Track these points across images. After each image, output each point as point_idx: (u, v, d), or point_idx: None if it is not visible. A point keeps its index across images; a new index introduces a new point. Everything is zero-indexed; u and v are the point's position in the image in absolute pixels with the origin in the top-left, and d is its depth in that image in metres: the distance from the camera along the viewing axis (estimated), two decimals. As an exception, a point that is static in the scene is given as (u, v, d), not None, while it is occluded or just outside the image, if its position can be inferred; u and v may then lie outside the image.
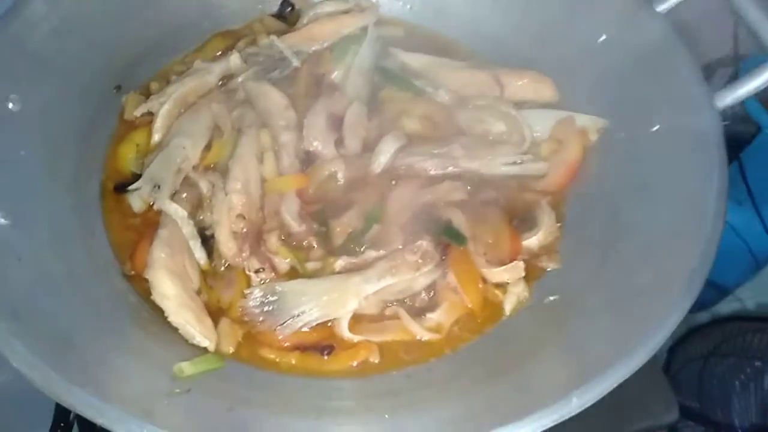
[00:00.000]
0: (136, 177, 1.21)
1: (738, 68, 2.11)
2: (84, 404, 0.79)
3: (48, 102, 1.17)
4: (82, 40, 1.26)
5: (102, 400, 0.79)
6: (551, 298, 1.12)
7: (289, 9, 1.52)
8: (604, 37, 1.34)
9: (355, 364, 1.05)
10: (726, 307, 2.32)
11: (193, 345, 1.02)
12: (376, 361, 1.06)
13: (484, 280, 1.15)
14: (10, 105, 1.09)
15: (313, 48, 1.44)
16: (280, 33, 1.44)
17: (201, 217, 1.18)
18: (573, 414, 0.83)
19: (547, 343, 1.03)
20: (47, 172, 1.12)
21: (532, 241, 1.20)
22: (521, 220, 1.24)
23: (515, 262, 1.15)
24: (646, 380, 1.04)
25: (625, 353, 0.87)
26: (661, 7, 1.28)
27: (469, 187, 1.26)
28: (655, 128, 1.19)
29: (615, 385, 0.84)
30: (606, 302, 1.03)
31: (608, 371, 0.85)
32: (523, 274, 1.15)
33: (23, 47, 1.15)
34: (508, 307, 1.13)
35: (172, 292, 1.03)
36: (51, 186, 1.12)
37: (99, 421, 0.79)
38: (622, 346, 0.89)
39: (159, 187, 1.13)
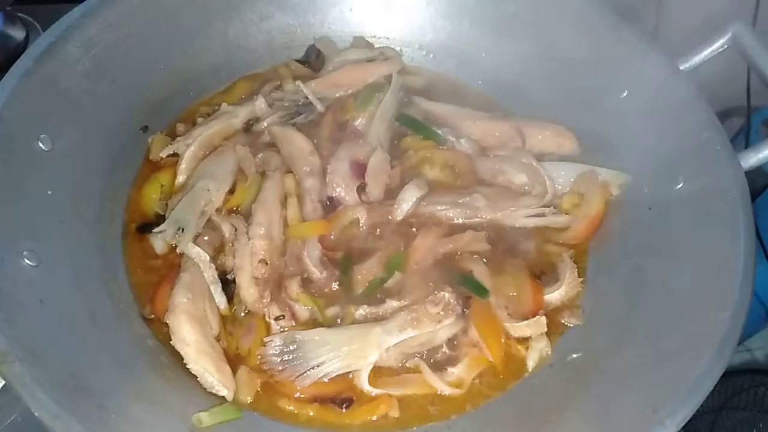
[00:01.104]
0: (160, 218, 1.21)
1: (749, 118, 2.12)
2: (103, 456, 0.78)
3: (76, 142, 1.19)
4: (112, 83, 1.28)
5: (122, 452, 0.78)
6: (574, 355, 1.10)
7: (315, 55, 1.55)
8: (625, 93, 1.35)
9: (374, 418, 1.03)
10: (736, 357, 2.30)
11: (210, 393, 1.01)
12: (396, 416, 1.04)
13: (506, 335, 1.13)
14: (41, 145, 1.11)
15: (338, 94, 1.46)
16: (305, 78, 1.46)
17: (222, 261, 1.17)
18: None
19: (571, 404, 1.01)
20: (73, 211, 1.13)
21: (555, 296, 1.19)
22: (543, 274, 1.23)
23: (537, 316, 1.14)
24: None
25: (656, 423, 0.85)
26: (685, 66, 1.30)
27: (489, 238, 1.25)
28: (680, 186, 1.19)
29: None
30: (631, 364, 1.01)
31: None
32: (545, 329, 1.13)
33: (56, 88, 1.16)
34: (531, 363, 1.11)
35: (192, 338, 1.02)
36: (75, 226, 1.12)
37: (117, 474, 0.77)
38: (651, 416, 0.87)
39: (183, 230, 1.13)
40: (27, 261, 0.97)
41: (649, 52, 1.33)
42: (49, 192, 1.09)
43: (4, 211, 0.98)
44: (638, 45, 1.34)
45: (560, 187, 1.33)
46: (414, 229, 1.25)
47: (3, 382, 1.09)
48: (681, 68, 1.29)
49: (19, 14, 1.62)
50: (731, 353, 0.90)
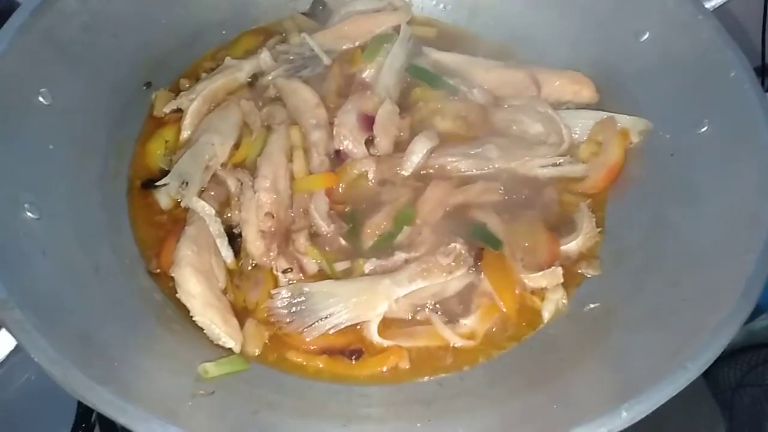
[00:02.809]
0: (164, 173, 1.19)
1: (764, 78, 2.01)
2: (106, 403, 0.76)
3: (78, 97, 1.16)
4: (113, 36, 1.25)
5: (125, 400, 0.76)
6: (591, 306, 1.06)
7: (321, 7, 1.50)
8: (647, 35, 1.28)
9: (384, 369, 1.01)
10: (759, 324, 2.22)
11: (218, 346, 1.00)
12: (407, 368, 1.01)
13: (521, 286, 1.09)
14: (41, 99, 1.08)
15: (345, 46, 1.41)
16: (311, 31, 1.41)
17: (228, 215, 1.15)
18: (619, 429, 0.78)
19: (589, 354, 0.97)
20: (75, 167, 1.11)
21: (571, 246, 1.14)
22: (559, 224, 1.19)
23: (553, 267, 1.10)
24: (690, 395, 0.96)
25: (677, 366, 0.81)
26: (710, 4, 1.22)
27: (503, 189, 1.21)
28: (704, 129, 1.13)
29: (666, 399, 0.78)
30: (651, 312, 0.97)
31: (660, 384, 0.79)
32: (562, 280, 1.09)
33: (54, 41, 1.13)
34: (547, 314, 1.07)
35: (197, 290, 1.00)
36: (78, 181, 1.10)
37: (121, 420, 0.76)
38: (671, 359, 0.83)
39: (187, 183, 1.11)
40: (29, 213, 0.95)
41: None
42: (51, 146, 1.07)
43: (3, 164, 0.96)
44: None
45: (577, 136, 1.28)
46: (424, 182, 1.21)
47: (16, 342, 1.10)
48: (707, 6, 1.22)
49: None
50: (759, 294, 0.85)
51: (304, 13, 1.50)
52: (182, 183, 1.11)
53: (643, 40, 1.28)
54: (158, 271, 1.08)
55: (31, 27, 1.09)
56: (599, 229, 1.17)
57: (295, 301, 1.03)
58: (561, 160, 1.24)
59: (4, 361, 1.22)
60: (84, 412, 1.13)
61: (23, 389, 1.21)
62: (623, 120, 1.25)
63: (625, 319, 0.99)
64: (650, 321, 0.95)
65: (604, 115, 1.28)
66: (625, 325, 0.98)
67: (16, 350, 1.22)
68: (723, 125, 1.11)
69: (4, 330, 1.19)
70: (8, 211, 0.92)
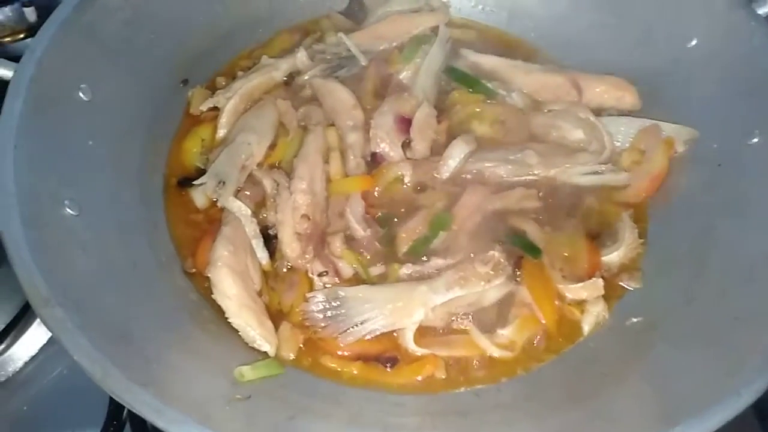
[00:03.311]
0: (200, 172, 1.18)
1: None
2: (144, 405, 0.76)
3: (117, 94, 1.16)
4: (152, 33, 1.25)
5: (163, 402, 0.76)
6: (634, 319, 1.03)
7: (358, 6, 1.48)
8: (694, 41, 1.24)
9: (419, 378, 0.99)
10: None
11: (252, 348, 0.98)
12: (443, 377, 0.99)
13: (560, 297, 1.07)
14: (81, 94, 1.08)
15: (382, 47, 1.39)
16: (347, 30, 1.40)
17: (264, 216, 1.14)
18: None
19: (632, 370, 0.95)
20: (113, 163, 1.10)
21: (613, 257, 1.11)
22: (600, 234, 1.16)
23: (594, 278, 1.07)
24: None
25: (729, 391, 0.77)
26: (763, 10, 1.18)
27: (542, 196, 1.18)
28: (754, 140, 1.10)
29: (717, 427, 0.75)
30: (699, 329, 0.94)
31: (710, 410, 0.76)
32: (603, 292, 1.07)
33: (95, 37, 1.14)
34: (587, 326, 1.05)
35: (233, 291, 0.99)
36: (117, 177, 1.10)
37: (158, 423, 0.75)
38: (722, 382, 0.80)
39: (224, 183, 1.10)
40: (68, 210, 0.95)
41: (722, -4, 1.22)
42: (90, 143, 1.07)
43: (44, 160, 0.96)
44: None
45: (619, 144, 1.25)
46: (462, 187, 1.18)
47: (50, 335, 1.10)
48: (759, 12, 1.18)
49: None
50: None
51: (340, 12, 1.49)
52: (219, 182, 1.10)
53: (690, 45, 1.25)
54: (194, 270, 1.07)
55: (73, 22, 1.10)
56: (641, 240, 1.13)
57: (331, 305, 1.01)
58: (602, 168, 1.21)
59: (36, 354, 1.22)
60: (115, 408, 1.13)
61: (55, 383, 1.21)
62: (668, 128, 1.22)
63: (670, 335, 0.96)
64: (698, 338, 0.92)
65: (647, 122, 1.24)
66: (670, 341, 0.95)
67: (49, 344, 1.22)
68: (776, 137, 1.07)
69: (36, 323, 1.21)
70: (49, 207, 0.92)
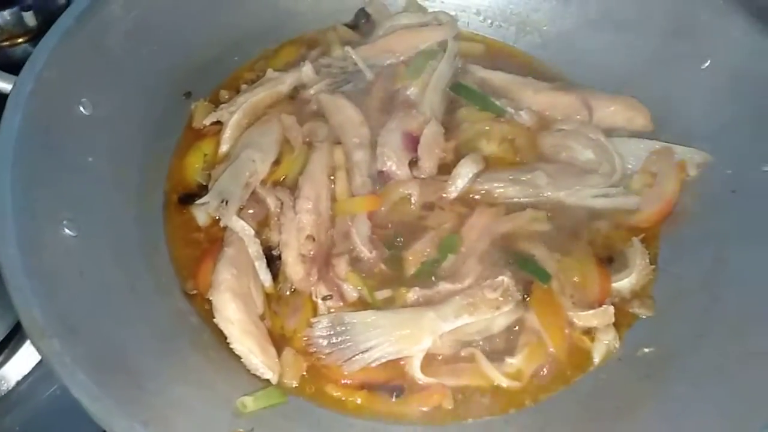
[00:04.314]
0: (202, 189, 1.16)
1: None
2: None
3: (118, 107, 1.13)
4: (155, 44, 1.22)
5: (164, 439, 0.73)
6: (645, 350, 1.01)
7: (364, 19, 1.45)
8: (708, 62, 1.22)
9: (426, 409, 0.96)
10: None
11: (254, 375, 0.95)
12: (450, 408, 0.97)
13: (570, 324, 1.04)
14: (82, 108, 1.05)
15: (388, 61, 1.37)
16: (354, 44, 1.38)
17: (266, 236, 1.11)
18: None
19: (644, 402, 0.92)
20: (113, 180, 1.08)
21: (624, 284, 1.09)
22: (610, 259, 1.13)
23: (604, 306, 1.05)
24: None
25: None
26: (779, 33, 1.16)
27: (552, 218, 1.16)
28: (770, 167, 1.08)
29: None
30: (714, 363, 0.92)
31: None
32: (613, 319, 1.04)
33: (98, 49, 1.11)
34: (597, 356, 1.02)
35: (236, 316, 0.96)
36: (116, 195, 1.07)
37: (159, 460, 0.72)
38: (739, 423, 0.78)
39: (227, 202, 1.07)
40: (67, 230, 0.92)
41: (736, 16, 1.20)
42: (90, 159, 1.04)
43: (44, 179, 0.93)
44: (723, 8, 1.21)
45: (631, 166, 1.23)
46: (470, 208, 1.16)
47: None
48: (774, 35, 1.16)
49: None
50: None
51: (347, 25, 1.46)
52: (222, 201, 1.07)
53: (704, 67, 1.23)
54: (195, 292, 1.04)
55: (75, 33, 1.07)
56: (652, 267, 1.11)
57: (336, 331, 0.99)
58: (613, 191, 1.18)
59: (29, 374, 1.19)
60: (110, 431, 1.09)
61: (48, 403, 1.18)
62: (680, 151, 1.20)
63: (684, 368, 0.94)
64: (713, 373, 0.90)
65: (659, 144, 1.22)
66: (684, 375, 0.93)
67: (42, 363, 1.19)
68: (792, 164, 1.05)
69: (29, 342, 1.17)
70: (47, 228, 0.89)
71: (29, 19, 1.47)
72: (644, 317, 1.06)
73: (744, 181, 1.10)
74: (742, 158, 1.12)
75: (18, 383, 1.18)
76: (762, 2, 1.23)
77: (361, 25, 1.46)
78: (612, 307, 1.05)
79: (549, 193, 1.18)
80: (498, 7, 1.47)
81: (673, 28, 1.26)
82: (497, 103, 1.30)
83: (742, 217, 1.07)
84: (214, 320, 0.97)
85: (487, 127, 1.27)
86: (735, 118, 1.16)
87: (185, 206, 1.15)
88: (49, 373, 1.18)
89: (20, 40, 1.48)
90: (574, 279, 1.09)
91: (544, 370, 1.00)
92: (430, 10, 1.47)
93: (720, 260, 1.05)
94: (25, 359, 1.17)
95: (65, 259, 0.89)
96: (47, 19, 1.49)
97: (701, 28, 1.23)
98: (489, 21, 1.48)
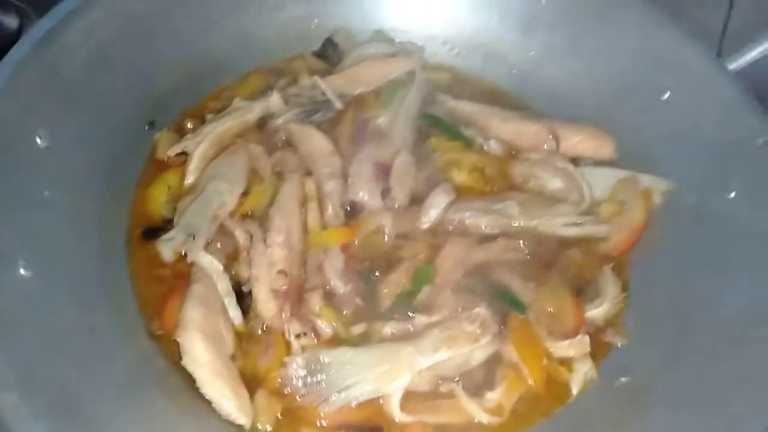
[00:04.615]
0: (167, 222, 1.11)
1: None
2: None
3: (76, 137, 1.08)
4: (116, 71, 1.18)
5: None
6: (623, 379, 1.01)
7: (332, 48, 1.44)
8: (668, 94, 1.26)
9: (406, 449, 0.93)
10: None
11: (226, 420, 0.90)
12: (430, 447, 0.94)
13: (547, 355, 1.04)
14: (38, 140, 1.00)
15: (357, 91, 1.36)
16: (322, 73, 1.36)
17: (235, 271, 1.07)
18: None
19: (626, 433, 0.92)
20: (72, 215, 1.02)
21: (597, 313, 1.10)
22: (582, 288, 1.14)
23: (580, 335, 1.05)
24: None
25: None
26: (734, 65, 1.21)
27: (524, 248, 1.16)
28: (732, 195, 1.11)
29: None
30: (691, 390, 0.92)
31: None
32: (589, 349, 1.04)
33: (55, 78, 1.06)
34: (576, 387, 1.02)
35: (206, 358, 0.92)
36: (75, 231, 1.01)
37: None
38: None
39: (194, 236, 1.02)
40: (22, 271, 0.87)
41: (694, 49, 1.25)
42: (47, 193, 0.99)
43: (-3, 215, 0.87)
44: (682, 41, 1.26)
45: (599, 194, 1.24)
46: (442, 238, 1.15)
47: None
48: (730, 67, 1.20)
49: (13, 0, 1.50)
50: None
51: (314, 53, 1.45)
52: (189, 236, 1.03)
53: (664, 98, 1.26)
54: (161, 332, 0.99)
55: (31, 62, 1.03)
56: (624, 294, 1.12)
57: (311, 370, 0.95)
58: (583, 220, 1.20)
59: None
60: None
61: None
62: (645, 179, 1.22)
63: (663, 395, 0.94)
64: (692, 400, 0.90)
65: (625, 173, 1.24)
66: (663, 403, 0.93)
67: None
68: (752, 192, 1.09)
69: None
70: (2, 270, 0.83)
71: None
72: (619, 345, 1.06)
73: (708, 209, 1.13)
74: (704, 186, 1.15)
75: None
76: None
77: (329, 54, 1.44)
78: (587, 336, 1.05)
79: (522, 223, 1.18)
80: (464, 37, 1.48)
81: (634, 61, 1.30)
82: (466, 132, 1.31)
83: (708, 244, 1.09)
84: (182, 362, 0.92)
85: (457, 157, 1.27)
86: (695, 148, 1.19)
87: (149, 241, 1.10)
88: None
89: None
90: (549, 309, 1.08)
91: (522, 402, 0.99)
92: (397, 40, 1.47)
93: (687, 286, 1.07)
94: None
95: (21, 302, 0.83)
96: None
97: (660, 61, 1.27)
98: (456, 50, 1.49)
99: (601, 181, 1.25)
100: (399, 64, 1.39)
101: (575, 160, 1.28)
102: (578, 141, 1.30)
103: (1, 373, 0.71)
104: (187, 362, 0.92)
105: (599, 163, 1.29)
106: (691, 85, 1.24)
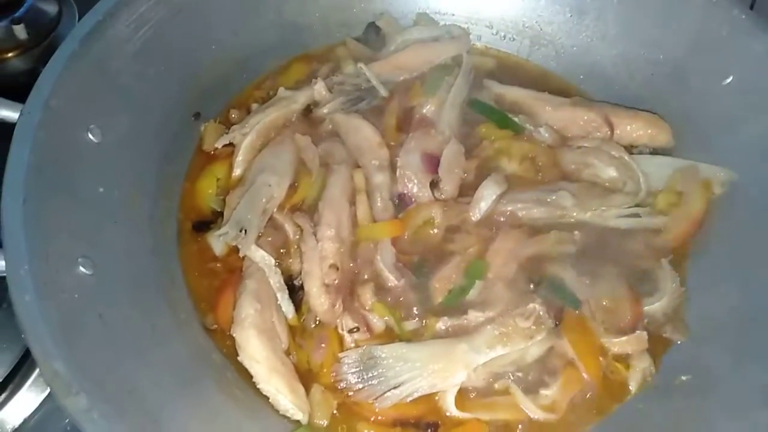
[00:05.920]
0: (217, 214, 1.11)
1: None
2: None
3: (127, 132, 1.08)
4: (163, 65, 1.17)
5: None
6: (683, 378, 0.99)
7: (375, 33, 1.41)
8: (731, 78, 1.20)
9: (462, 445, 0.93)
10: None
11: (283, 415, 0.91)
12: (487, 443, 0.94)
13: (603, 352, 1.02)
14: (90, 136, 1.00)
15: (402, 77, 1.33)
16: (365, 59, 1.33)
17: (286, 264, 1.07)
18: None
19: (686, 435, 0.90)
20: (126, 210, 1.02)
21: (655, 308, 1.06)
22: (637, 281, 1.11)
23: (637, 331, 1.02)
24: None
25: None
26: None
27: (578, 240, 1.13)
28: (798, 185, 1.06)
29: None
30: (758, 394, 0.89)
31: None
32: (647, 345, 1.02)
33: (105, 72, 1.05)
34: (634, 384, 1.00)
35: (262, 354, 0.92)
36: (129, 226, 1.02)
37: None
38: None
39: (245, 231, 1.02)
40: (82, 268, 0.87)
41: (757, 31, 1.18)
42: (101, 189, 0.99)
43: (55, 213, 0.88)
44: (745, 23, 1.19)
45: (655, 184, 1.20)
46: (494, 230, 1.13)
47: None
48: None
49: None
50: None
51: (357, 39, 1.42)
52: (241, 230, 1.03)
53: (726, 83, 1.20)
54: (215, 327, 1.00)
55: (81, 57, 1.02)
56: (683, 289, 1.09)
57: (366, 365, 0.95)
58: (639, 211, 1.16)
59: (37, 409, 1.13)
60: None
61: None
62: (704, 169, 1.18)
63: (725, 398, 0.91)
64: (759, 405, 0.87)
65: (682, 162, 1.20)
66: (726, 405, 0.90)
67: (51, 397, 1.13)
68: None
69: (36, 374, 1.12)
70: (63, 268, 0.84)
71: (20, 32, 1.42)
72: (679, 342, 1.03)
73: (770, 200, 1.08)
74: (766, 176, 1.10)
75: (25, 420, 1.12)
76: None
77: (372, 39, 1.42)
78: (645, 332, 1.02)
79: (576, 214, 1.15)
80: (510, 19, 1.43)
81: (694, 44, 1.24)
82: (516, 119, 1.27)
83: (771, 236, 1.05)
84: (239, 358, 0.93)
85: (506, 145, 1.24)
86: (758, 136, 1.14)
87: (200, 234, 1.11)
88: (58, 408, 1.13)
89: (11, 54, 1.43)
90: (604, 303, 1.06)
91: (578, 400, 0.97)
92: (441, 23, 1.44)
93: (753, 280, 1.03)
94: (32, 394, 1.11)
95: (83, 301, 0.84)
96: (38, 33, 1.45)
97: (723, 44, 1.21)
98: (501, 34, 1.45)
99: (657, 171, 1.21)
100: (445, 49, 1.36)
101: (630, 149, 1.24)
102: (633, 128, 1.26)
103: (70, 378, 0.71)
104: (244, 358, 0.92)
105: (655, 151, 1.25)
106: (755, 70, 1.17)
